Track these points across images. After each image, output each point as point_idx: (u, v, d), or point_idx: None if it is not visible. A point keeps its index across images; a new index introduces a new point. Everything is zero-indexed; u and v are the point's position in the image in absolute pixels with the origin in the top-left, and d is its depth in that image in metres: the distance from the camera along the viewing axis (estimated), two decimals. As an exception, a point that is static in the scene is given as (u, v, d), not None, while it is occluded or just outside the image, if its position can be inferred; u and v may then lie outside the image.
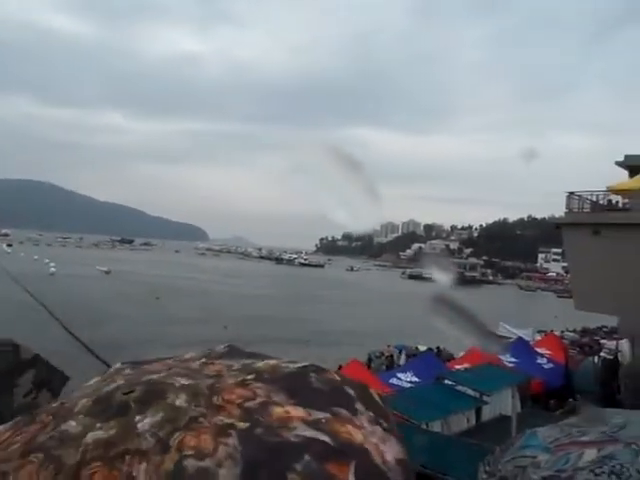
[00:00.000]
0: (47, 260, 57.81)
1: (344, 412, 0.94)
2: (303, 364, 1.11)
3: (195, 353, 1.21)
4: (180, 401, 0.92)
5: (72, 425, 0.88)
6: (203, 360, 1.13)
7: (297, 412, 0.91)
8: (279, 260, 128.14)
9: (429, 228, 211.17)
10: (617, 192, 15.18)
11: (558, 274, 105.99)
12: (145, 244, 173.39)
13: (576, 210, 14.52)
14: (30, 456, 0.82)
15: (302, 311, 37.49)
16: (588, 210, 14.52)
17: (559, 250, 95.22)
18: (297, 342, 26.21)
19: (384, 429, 0.96)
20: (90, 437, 0.84)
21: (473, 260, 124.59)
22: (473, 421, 8.93)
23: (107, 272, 58.24)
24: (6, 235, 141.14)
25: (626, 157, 17.35)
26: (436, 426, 7.91)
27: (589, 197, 14.69)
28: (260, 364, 1.10)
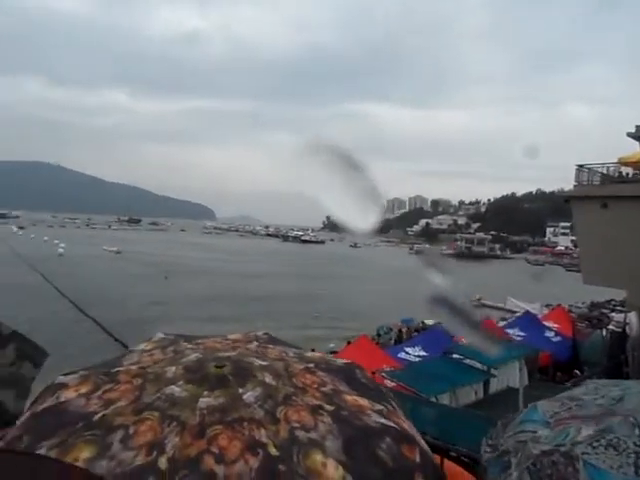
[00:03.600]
0: (57, 241, 58.25)
1: (390, 407, 1.08)
2: (345, 360, 1.24)
3: (238, 335, 1.32)
4: (269, 379, 1.04)
5: (177, 390, 0.99)
6: (256, 343, 1.25)
7: (363, 402, 1.04)
8: (285, 237, 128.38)
9: (436, 204, 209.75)
10: (628, 164, 14.96)
11: (567, 248, 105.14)
12: (152, 224, 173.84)
13: (585, 183, 14.34)
14: (144, 413, 0.94)
15: (308, 287, 37.67)
16: (598, 183, 14.33)
17: (568, 224, 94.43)
18: (305, 317, 26.43)
19: (410, 426, 1.09)
20: (202, 403, 0.95)
21: (481, 235, 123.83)
22: (481, 394, 9.04)
23: (117, 252, 58.53)
24: (17, 217, 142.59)
25: (637, 128, 17.02)
26: (444, 399, 8.02)
27: (599, 169, 14.49)
28: (309, 354, 1.24)
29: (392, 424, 1.00)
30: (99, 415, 0.94)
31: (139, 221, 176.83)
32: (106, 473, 0.81)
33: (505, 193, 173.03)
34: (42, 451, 0.86)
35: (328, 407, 0.98)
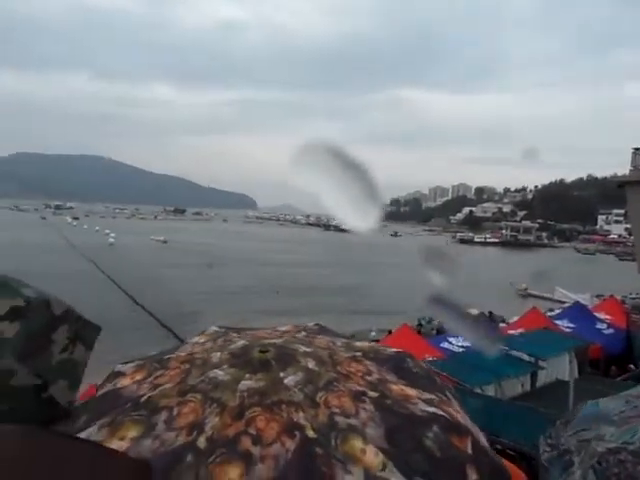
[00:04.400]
0: (107, 231, 60.70)
1: (443, 397, 1.04)
2: (396, 349, 1.22)
3: (288, 327, 1.34)
4: (312, 365, 1.03)
5: (220, 374, 1.01)
6: (304, 333, 1.25)
7: (411, 391, 1.01)
8: (326, 227, 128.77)
9: (480, 191, 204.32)
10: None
11: (620, 236, 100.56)
12: (196, 214, 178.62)
13: (643, 167, 13.56)
14: (188, 395, 0.96)
15: (348, 276, 37.66)
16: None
17: (622, 211, 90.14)
18: (345, 306, 26.49)
19: (464, 418, 1.04)
20: (243, 385, 0.97)
21: (527, 223, 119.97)
22: (528, 386, 8.80)
23: (164, 242, 60.43)
24: (71, 208, 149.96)
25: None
26: (489, 390, 7.86)
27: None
28: (358, 344, 1.22)
29: (441, 413, 0.96)
30: (146, 397, 0.97)
31: (184, 211, 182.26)
32: (150, 451, 0.84)
33: (553, 179, 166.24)
34: (94, 428, 0.91)
35: (371, 394, 0.96)
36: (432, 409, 0.96)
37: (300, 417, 0.89)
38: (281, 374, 0.99)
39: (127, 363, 1.16)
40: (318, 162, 0.98)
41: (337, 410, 0.91)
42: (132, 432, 0.89)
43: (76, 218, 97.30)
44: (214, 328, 1.34)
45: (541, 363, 8.92)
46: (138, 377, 1.07)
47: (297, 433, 0.86)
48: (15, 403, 1.28)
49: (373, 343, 1.32)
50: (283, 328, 1.31)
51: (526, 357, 8.85)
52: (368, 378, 1.02)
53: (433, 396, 1.01)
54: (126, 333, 16.72)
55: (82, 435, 0.90)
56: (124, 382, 1.06)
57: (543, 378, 9.07)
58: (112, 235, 56.44)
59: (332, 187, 0.99)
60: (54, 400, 1.36)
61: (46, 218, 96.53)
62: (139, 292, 24.33)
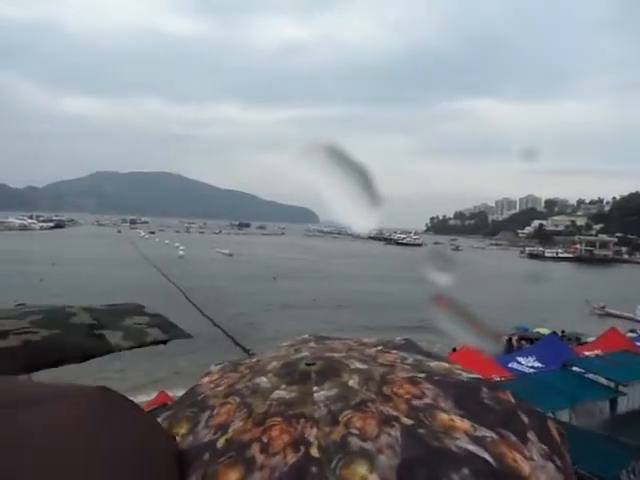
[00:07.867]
0: (177, 244, 63.61)
1: (513, 437, 0.89)
2: (475, 375, 1.10)
3: (373, 339, 1.33)
4: (353, 382, 1.02)
5: (263, 381, 1.07)
6: (380, 348, 1.22)
7: (463, 424, 0.89)
8: (388, 241, 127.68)
9: (551, 203, 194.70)
10: None
11: None
12: (260, 227, 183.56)
13: None
14: (229, 398, 1.04)
15: (407, 290, 36.94)
16: None
17: None
18: (407, 322, 25.96)
19: (557, 467, 0.87)
20: (275, 394, 1.00)
21: (604, 237, 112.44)
22: (607, 413, 8.21)
23: (229, 255, 62.52)
24: (146, 222, 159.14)
25: None
26: (563, 416, 7.40)
27: None
28: (433, 364, 1.13)
29: (484, 454, 0.82)
30: (203, 395, 1.07)
31: (248, 225, 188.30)
32: (187, 446, 0.93)
33: (634, 190, 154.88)
34: (160, 419, 1.03)
35: (405, 420, 0.89)
36: (473, 447, 0.83)
37: (312, 433, 0.88)
38: (314, 388, 0.99)
39: (218, 364, 1.26)
40: (318, 163, 1.00)
41: (355, 431, 0.87)
42: (183, 428, 0.98)
43: (152, 232, 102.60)
44: (305, 336, 1.38)
45: (622, 388, 8.30)
46: (215, 377, 1.17)
47: (302, 448, 0.85)
48: (68, 330, 2.02)
49: (453, 365, 1.17)
50: (365, 340, 1.30)
51: (604, 381, 8.27)
52: (414, 402, 0.94)
53: (492, 434, 0.87)
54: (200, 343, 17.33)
55: None
56: (204, 380, 1.17)
57: (624, 405, 8.43)
58: (181, 248, 58.99)
59: (332, 187, 1.01)
60: (104, 337, 2.12)
61: (121, 232, 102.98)
62: (205, 302, 25.21)
